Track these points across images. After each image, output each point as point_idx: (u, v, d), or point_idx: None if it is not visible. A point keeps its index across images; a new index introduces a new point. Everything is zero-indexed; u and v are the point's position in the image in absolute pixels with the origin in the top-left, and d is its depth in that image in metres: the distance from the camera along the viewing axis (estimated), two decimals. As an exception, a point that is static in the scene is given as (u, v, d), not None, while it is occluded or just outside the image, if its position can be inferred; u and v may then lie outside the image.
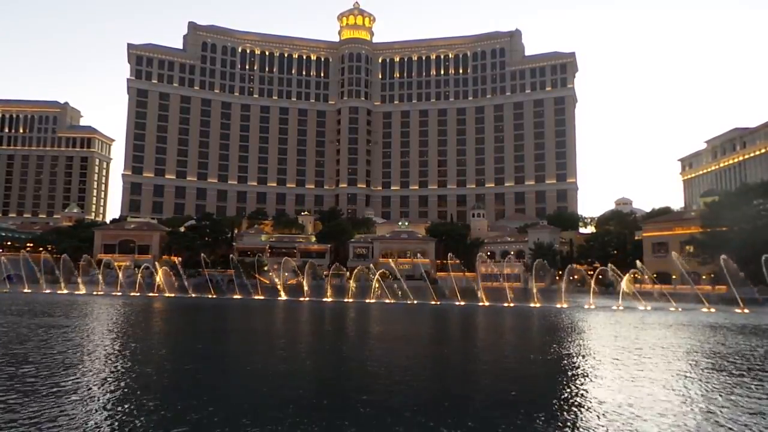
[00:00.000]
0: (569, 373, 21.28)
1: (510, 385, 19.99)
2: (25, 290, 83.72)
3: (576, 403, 16.10)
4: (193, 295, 79.73)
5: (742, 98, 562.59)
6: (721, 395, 17.12)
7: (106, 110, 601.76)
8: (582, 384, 19.14)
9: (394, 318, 52.05)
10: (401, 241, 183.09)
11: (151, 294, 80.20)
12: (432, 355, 28.62)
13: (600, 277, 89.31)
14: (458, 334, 42.07)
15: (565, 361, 24.47)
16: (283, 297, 77.31)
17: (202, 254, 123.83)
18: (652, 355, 25.82)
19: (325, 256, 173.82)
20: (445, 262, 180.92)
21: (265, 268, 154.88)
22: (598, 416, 14.43)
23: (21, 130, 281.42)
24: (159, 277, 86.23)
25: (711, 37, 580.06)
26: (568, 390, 18.05)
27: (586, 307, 63.95)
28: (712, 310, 59.40)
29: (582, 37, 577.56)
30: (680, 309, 60.25)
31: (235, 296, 78.61)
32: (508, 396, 17.79)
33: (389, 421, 14.05)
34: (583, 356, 26.34)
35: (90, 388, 17.16)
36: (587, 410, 15.10)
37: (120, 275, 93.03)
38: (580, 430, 13.27)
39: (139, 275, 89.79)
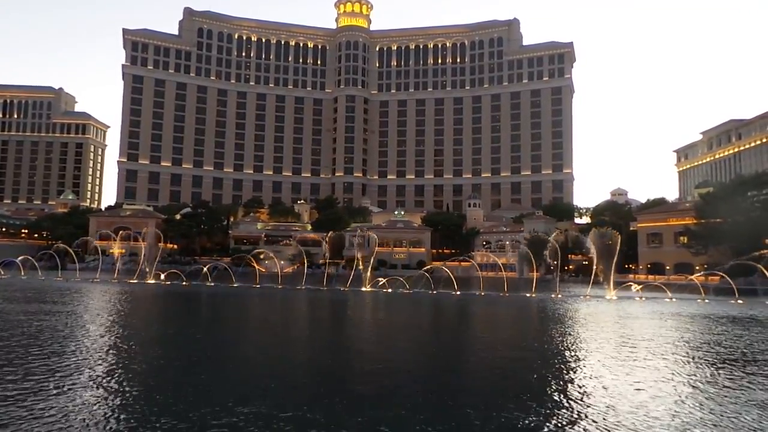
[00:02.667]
0: (550, 363, 21.23)
1: (485, 372, 20.17)
2: (22, 276, 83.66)
3: (553, 393, 16.06)
4: (190, 283, 79.87)
5: (738, 90, 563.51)
6: (702, 385, 17.27)
7: (101, 96, 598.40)
8: (562, 374, 19.11)
9: (392, 307, 52.36)
10: (397, 231, 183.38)
11: (149, 281, 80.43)
12: (426, 344, 28.87)
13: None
14: (451, 322, 42.42)
15: (549, 351, 24.52)
16: (280, 285, 77.47)
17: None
18: (638, 346, 25.90)
19: (321, 245, 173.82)
20: (440, 251, 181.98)
21: (262, 257, 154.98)
22: (573, 406, 14.46)
23: (15, 116, 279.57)
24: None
25: (708, 29, 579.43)
26: (546, 379, 18.11)
27: (580, 297, 64.43)
28: (706, 300, 59.94)
29: (580, 27, 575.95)
30: (674, 299, 60.75)
31: (231, 285, 78.69)
32: (482, 385, 18.03)
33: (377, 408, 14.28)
34: (568, 346, 26.40)
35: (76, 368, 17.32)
36: (565, 402, 15.05)
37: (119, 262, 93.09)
38: (553, 419, 13.25)
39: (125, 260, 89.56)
